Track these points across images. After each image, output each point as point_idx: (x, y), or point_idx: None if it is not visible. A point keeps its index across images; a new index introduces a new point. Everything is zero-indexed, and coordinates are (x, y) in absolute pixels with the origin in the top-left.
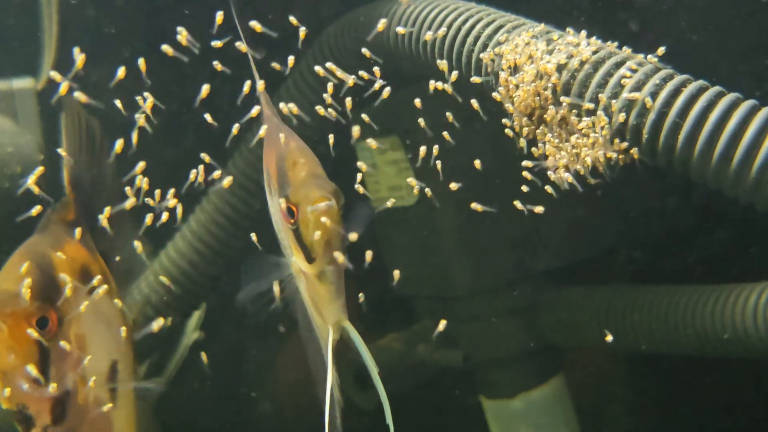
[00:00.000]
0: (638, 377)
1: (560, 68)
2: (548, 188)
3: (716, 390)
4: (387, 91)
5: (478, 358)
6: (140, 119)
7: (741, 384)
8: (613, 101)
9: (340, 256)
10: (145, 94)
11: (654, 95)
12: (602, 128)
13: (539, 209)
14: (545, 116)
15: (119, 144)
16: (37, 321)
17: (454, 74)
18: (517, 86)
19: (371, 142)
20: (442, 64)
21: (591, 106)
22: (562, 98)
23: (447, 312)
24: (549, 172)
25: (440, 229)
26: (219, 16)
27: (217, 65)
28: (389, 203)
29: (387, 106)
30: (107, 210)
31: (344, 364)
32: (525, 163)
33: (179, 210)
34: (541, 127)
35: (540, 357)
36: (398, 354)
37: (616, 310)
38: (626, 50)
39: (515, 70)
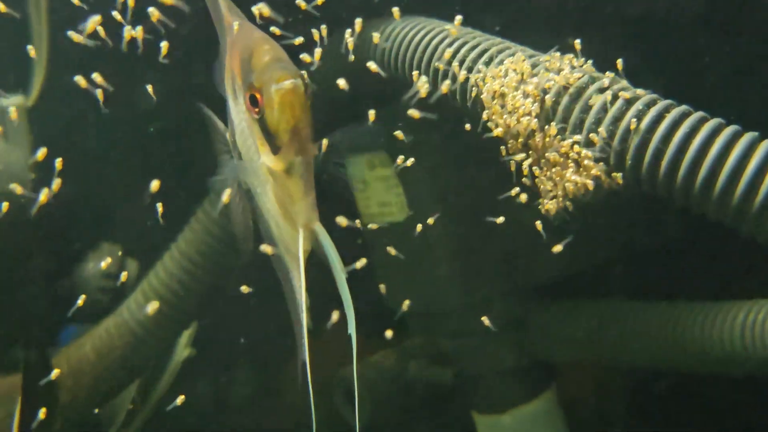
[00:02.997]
0: (630, 392)
1: (544, 93)
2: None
3: (711, 407)
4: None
5: (469, 374)
6: None
7: (736, 402)
8: (598, 128)
9: (308, 148)
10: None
11: (637, 121)
12: (586, 154)
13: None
14: (530, 141)
15: None
16: None
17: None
18: (501, 107)
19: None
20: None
21: (578, 138)
22: (545, 125)
23: (438, 328)
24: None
25: (430, 245)
26: None
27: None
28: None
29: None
30: None
31: (335, 382)
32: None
33: None
34: (527, 152)
35: (531, 372)
36: (390, 371)
37: (606, 324)
38: (608, 74)
39: (499, 95)
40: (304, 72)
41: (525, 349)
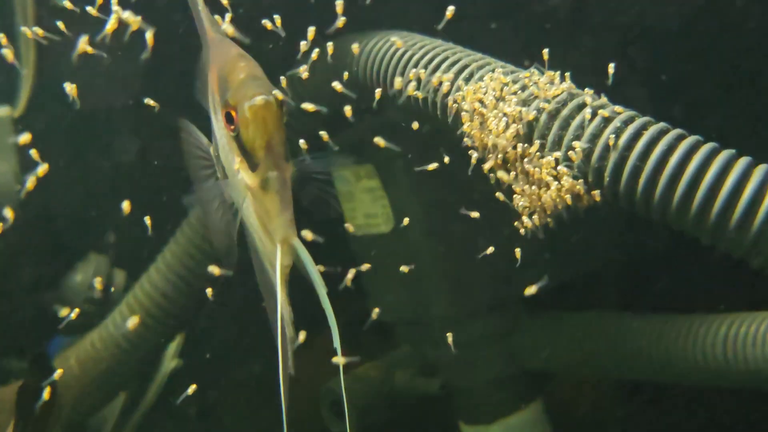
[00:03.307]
0: (619, 402)
1: (523, 111)
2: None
3: (702, 417)
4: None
5: (457, 384)
6: None
7: (730, 414)
8: (576, 145)
9: (284, 164)
10: None
11: (615, 138)
12: (564, 171)
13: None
14: (509, 155)
15: None
16: None
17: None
18: (480, 124)
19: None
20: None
21: (557, 154)
22: (525, 143)
23: (425, 338)
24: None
25: (418, 255)
26: None
27: None
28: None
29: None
30: None
31: (322, 393)
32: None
33: None
34: (507, 166)
35: (518, 383)
36: (376, 382)
37: (594, 335)
38: (588, 91)
39: (478, 113)
40: (279, 92)
41: (513, 360)
